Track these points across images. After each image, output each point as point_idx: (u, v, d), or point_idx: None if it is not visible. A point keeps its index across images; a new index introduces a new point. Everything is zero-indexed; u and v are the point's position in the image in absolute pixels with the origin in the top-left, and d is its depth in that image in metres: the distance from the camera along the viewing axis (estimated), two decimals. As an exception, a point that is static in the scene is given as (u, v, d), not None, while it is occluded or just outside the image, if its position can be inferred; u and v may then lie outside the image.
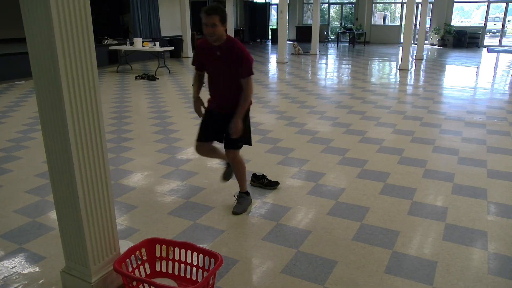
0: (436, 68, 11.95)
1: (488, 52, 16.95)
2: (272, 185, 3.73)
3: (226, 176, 3.57)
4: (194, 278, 2.37)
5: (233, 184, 3.79)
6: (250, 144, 3.31)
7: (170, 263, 2.44)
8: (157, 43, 10.92)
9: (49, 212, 3.28)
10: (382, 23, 22.03)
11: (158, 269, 2.44)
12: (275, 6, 21.25)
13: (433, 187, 3.78)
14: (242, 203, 3.33)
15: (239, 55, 2.86)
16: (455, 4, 19.32)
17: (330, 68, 12.64)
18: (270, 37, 22.56)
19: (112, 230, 2.32)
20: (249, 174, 3.92)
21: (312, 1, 19.03)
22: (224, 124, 3.07)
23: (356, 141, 5.13)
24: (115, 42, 12.75)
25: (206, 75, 3.16)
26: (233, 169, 3.34)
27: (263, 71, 11.70)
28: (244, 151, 4.73)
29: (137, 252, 2.35)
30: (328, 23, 22.38)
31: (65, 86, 1.91)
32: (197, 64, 3.11)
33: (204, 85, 3.20)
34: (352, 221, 3.15)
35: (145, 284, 2.12)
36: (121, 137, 5.32)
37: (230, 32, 16.64)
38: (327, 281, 2.44)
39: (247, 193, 3.41)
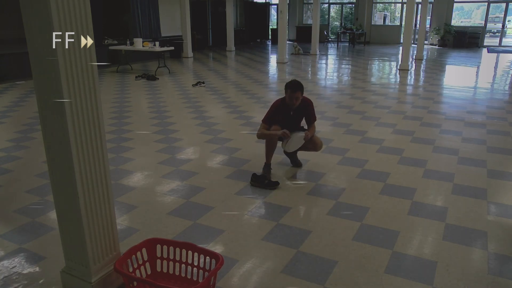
0: (436, 68, 11.95)
1: (488, 52, 16.96)
2: (272, 185, 3.73)
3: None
4: (195, 279, 2.37)
5: (233, 184, 3.79)
6: None
7: (171, 263, 2.44)
8: (157, 43, 10.91)
9: (49, 212, 3.28)
10: (382, 23, 22.05)
11: (158, 269, 2.44)
12: (275, 6, 21.26)
13: (433, 187, 3.78)
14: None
15: (311, 112, 3.99)
16: (455, 4, 19.34)
17: (330, 68, 12.64)
18: (270, 37, 22.57)
19: (112, 230, 2.32)
20: (249, 174, 3.92)
21: (312, 1, 19.03)
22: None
23: (356, 141, 5.13)
24: (115, 42, 12.74)
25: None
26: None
27: (264, 71, 11.70)
28: (245, 152, 4.74)
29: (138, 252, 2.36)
30: (328, 23, 22.39)
31: (65, 86, 1.91)
32: (269, 122, 3.89)
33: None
34: (352, 221, 3.15)
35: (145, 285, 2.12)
36: (121, 137, 5.31)
37: (230, 32, 16.70)
38: (327, 281, 2.44)
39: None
